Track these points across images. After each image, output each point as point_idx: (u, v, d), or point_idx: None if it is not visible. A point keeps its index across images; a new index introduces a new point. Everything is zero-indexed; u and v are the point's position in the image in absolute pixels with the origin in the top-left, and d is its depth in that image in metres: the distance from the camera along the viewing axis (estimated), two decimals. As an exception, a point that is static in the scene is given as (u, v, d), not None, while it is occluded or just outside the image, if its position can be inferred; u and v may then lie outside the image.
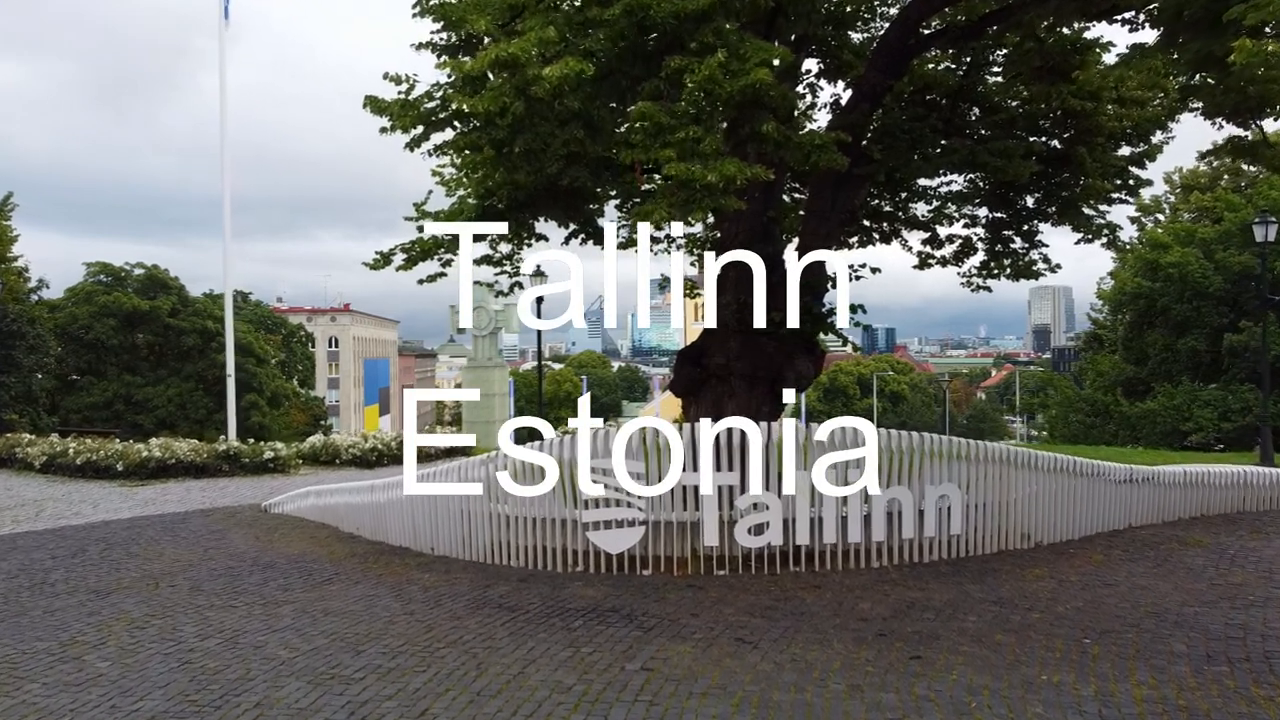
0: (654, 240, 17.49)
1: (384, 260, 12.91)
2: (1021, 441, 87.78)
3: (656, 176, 9.93)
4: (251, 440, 19.92)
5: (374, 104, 8.31)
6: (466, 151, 8.47)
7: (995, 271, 15.78)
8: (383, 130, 8.35)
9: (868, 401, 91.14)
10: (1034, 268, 15.64)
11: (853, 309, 12.22)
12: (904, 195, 15.41)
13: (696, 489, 8.69)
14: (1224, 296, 30.73)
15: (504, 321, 57.00)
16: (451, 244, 13.59)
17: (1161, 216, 41.78)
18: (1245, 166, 40.10)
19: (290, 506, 13.11)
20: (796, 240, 13.00)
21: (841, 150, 11.93)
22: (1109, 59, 12.31)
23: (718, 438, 8.64)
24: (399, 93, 8.02)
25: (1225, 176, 39.85)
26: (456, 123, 8.15)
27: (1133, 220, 42.55)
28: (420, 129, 8.21)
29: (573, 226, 11.92)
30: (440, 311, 55.28)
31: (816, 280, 12.02)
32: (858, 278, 12.62)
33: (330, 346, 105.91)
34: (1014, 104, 13.16)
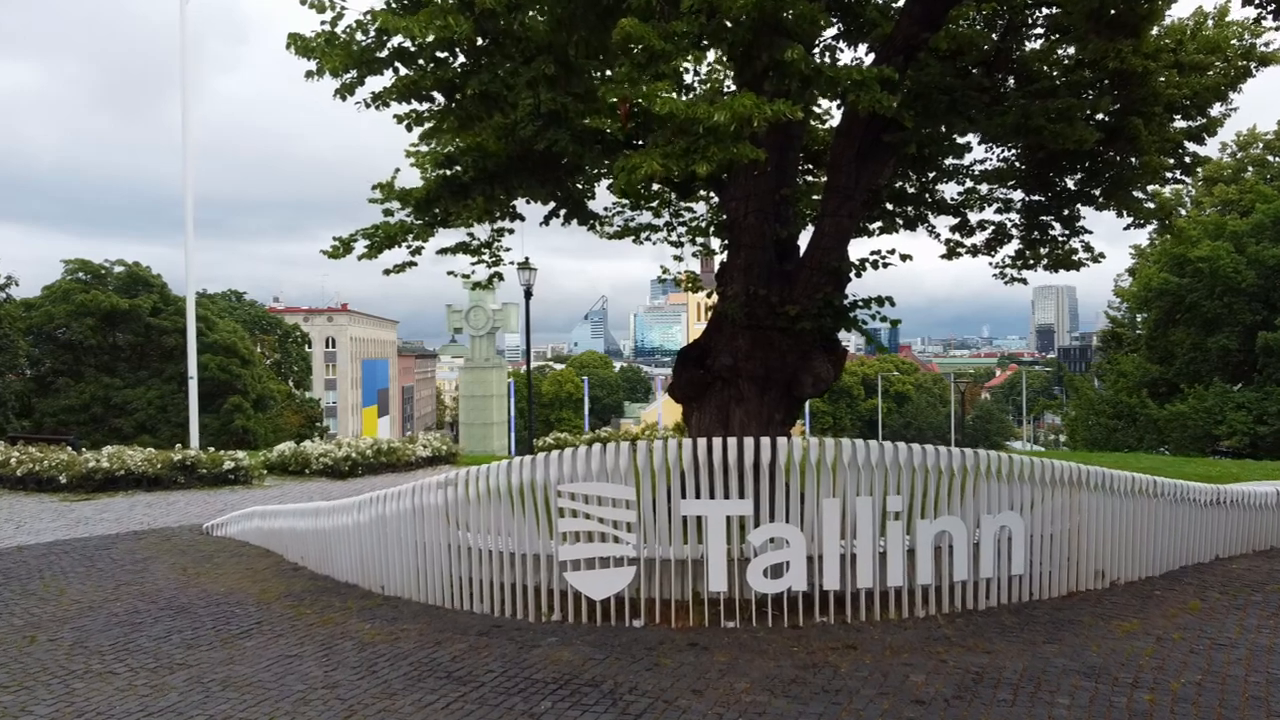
0: (652, 228, 16.03)
1: (344, 248, 11.31)
2: (1037, 449, 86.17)
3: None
4: (212, 449, 18.26)
5: (298, 43, 6.66)
6: (413, 103, 6.77)
7: (1031, 261, 14.20)
8: (309, 75, 6.70)
9: (872, 402, 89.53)
10: (1074, 257, 14.03)
11: (879, 302, 10.62)
12: (932, 175, 13.80)
13: (700, 519, 7.03)
14: (1257, 292, 29.02)
15: (502, 321, 55.49)
16: (422, 230, 11.97)
17: (1183, 210, 40.07)
18: (1270, 158, 38.45)
19: (234, 529, 11.46)
20: (813, 224, 11.38)
21: (870, 115, 10.29)
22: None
23: (725, 455, 6.98)
24: (322, 24, 6.37)
25: (1250, 169, 38.18)
26: (400, 64, 6.51)
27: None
28: (353, 73, 6.56)
29: (553, 204, 10.29)
30: (442, 311, 53.71)
31: (838, 268, 10.39)
32: (885, 265, 10.96)
33: (327, 347, 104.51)
34: (1054, 72, 11.51)
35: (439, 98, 6.56)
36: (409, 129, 6.91)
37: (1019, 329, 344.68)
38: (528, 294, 19.50)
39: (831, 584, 6.92)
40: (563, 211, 10.54)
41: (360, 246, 11.47)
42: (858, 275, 10.77)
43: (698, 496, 6.97)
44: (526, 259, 19.46)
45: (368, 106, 6.80)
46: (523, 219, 10.94)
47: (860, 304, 10.56)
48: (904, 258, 11.11)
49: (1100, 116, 11.05)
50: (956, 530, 7.11)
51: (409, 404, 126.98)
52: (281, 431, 53.49)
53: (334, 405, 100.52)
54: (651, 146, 5.53)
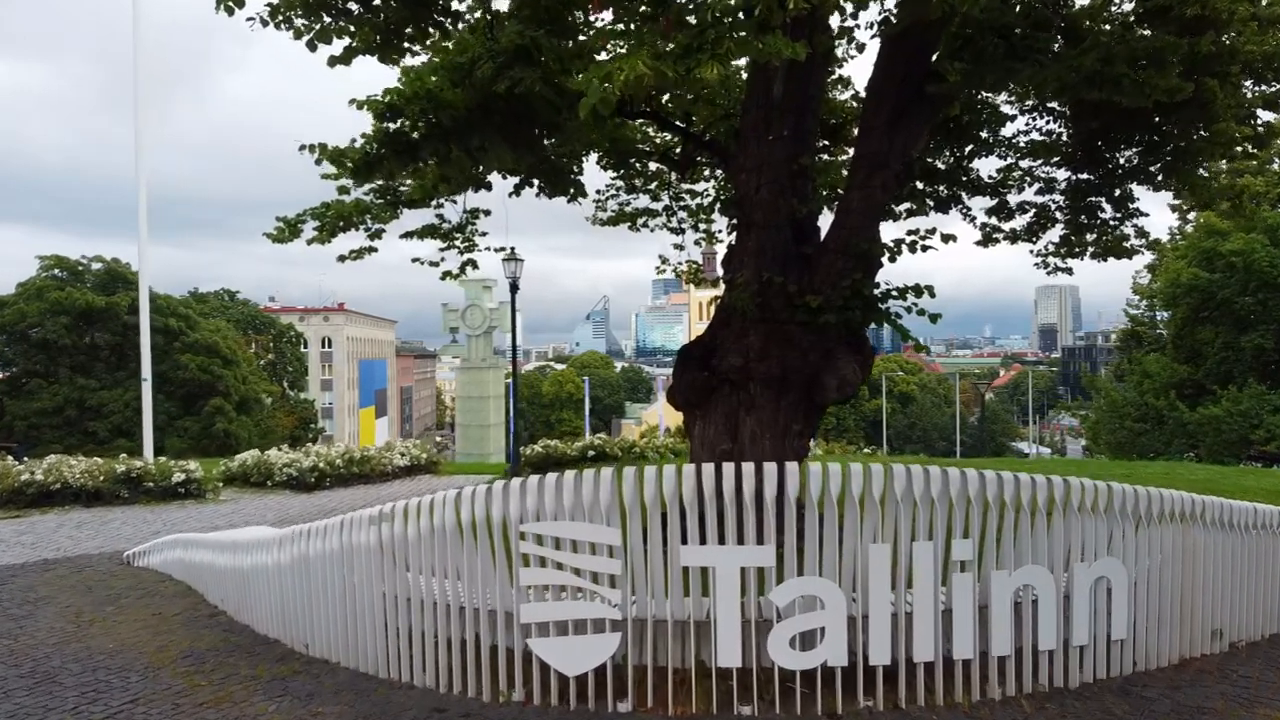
0: (650, 213, 14.37)
1: (289, 230, 9.67)
2: (1044, 451, 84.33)
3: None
4: (161, 458, 16.60)
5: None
6: (324, 18, 5.10)
7: (1077, 249, 12.55)
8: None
9: (876, 403, 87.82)
10: (1126, 244, 12.39)
11: (916, 291, 8.92)
12: (968, 149, 12.15)
13: (706, 571, 5.35)
14: (1296, 287, 27.32)
15: (499, 320, 53.75)
16: (381, 210, 10.34)
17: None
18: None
19: (156, 559, 9.80)
20: (835, 206, 9.76)
21: (908, 63, 8.64)
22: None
23: (739, 486, 5.30)
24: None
25: (1277, 160, 36.38)
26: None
27: (1172, 209, 39.14)
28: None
29: (526, 172, 8.62)
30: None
31: (868, 250, 8.73)
32: (924, 248, 9.29)
33: (323, 347, 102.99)
34: (1107, 27, 9.84)
35: (355, 8, 4.92)
36: (311, 48, 5.25)
37: (1021, 329, 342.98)
38: (513, 288, 17.85)
39: (880, 656, 5.23)
40: (537, 181, 8.87)
41: (309, 229, 9.84)
42: (891, 260, 9.11)
43: (703, 541, 5.28)
44: (512, 249, 17.77)
45: (264, 25, 5.13)
46: (488, 188, 9.27)
47: (894, 293, 8.85)
48: (946, 238, 9.44)
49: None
50: (1042, 583, 5.43)
51: (408, 405, 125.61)
52: (272, 434, 51.99)
53: (330, 406, 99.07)
54: (637, 44, 3.85)
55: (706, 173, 13.08)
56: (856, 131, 9.59)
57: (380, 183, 10.19)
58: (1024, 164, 12.10)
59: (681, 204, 14.10)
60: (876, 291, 8.77)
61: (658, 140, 13.28)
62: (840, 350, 8.84)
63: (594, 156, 11.86)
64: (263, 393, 52.07)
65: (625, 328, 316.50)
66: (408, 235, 11.07)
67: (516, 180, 8.79)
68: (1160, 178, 11.45)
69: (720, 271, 9.89)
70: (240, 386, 42.87)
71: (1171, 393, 29.52)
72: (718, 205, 11.22)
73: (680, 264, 14.46)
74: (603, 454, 17.63)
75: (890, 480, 5.27)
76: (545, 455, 17.58)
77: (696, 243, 14.41)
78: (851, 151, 12.75)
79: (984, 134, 11.66)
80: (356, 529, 6.16)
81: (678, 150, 12.67)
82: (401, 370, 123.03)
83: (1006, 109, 11.66)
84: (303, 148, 7.37)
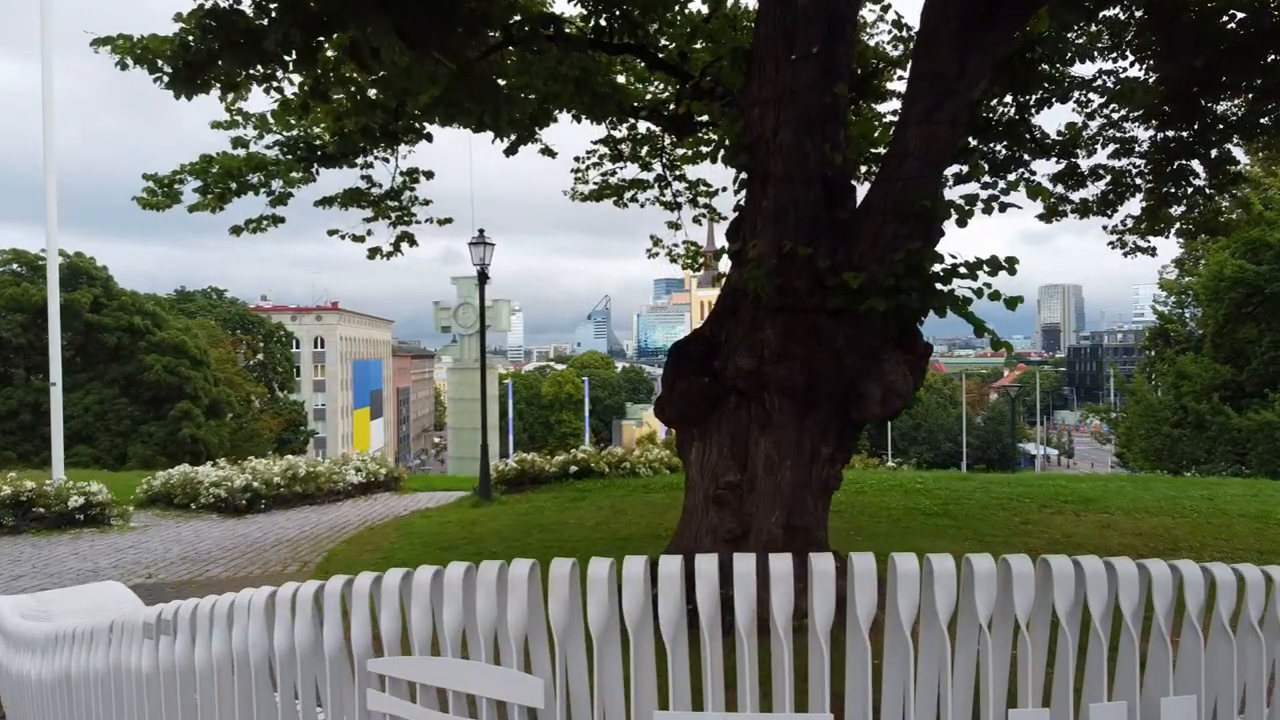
0: (639, 185, 12.14)
1: (164, 193, 7.23)
2: (1050, 453, 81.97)
3: None
4: (61, 478, 14.20)
5: None
6: None
7: (1161, 224, 10.21)
8: None
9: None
10: (1221, 217, 10.07)
11: (993, 266, 6.42)
12: (1033, 99, 9.81)
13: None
14: (1354, 281, 24.96)
15: (494, 319, 51.37)
16: (286, 168, 7.92)
17: (1237, 193, 35.97)
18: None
19: (-30, 627, 7.38)
20: (890, 144, 7.34)
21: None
22: None
23: (763, 593, 2.87)
24: None
25: (1317, 146, 33.94)
26: None
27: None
28: None
29: (441, 92, 6.17)
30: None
31: (930, 209, 6.33)
32: (1004, 207, 6.83)
33: (316, 347, 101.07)
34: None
35: None
36: None
37: (1024, 328, 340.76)
38: (482, 275, 15.48)
39: None
40: (470, 118, 6.45)
41: (190, 191, 7.41)
42: (960, 224, 6.63)
43: (698, 704, 2.86)
44: (481, 231, 15.41)
45: None
46: (428, 138, 6.86)
47: (961, 269, 6.30)
48: (1034, 193, 7.00)
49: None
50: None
51: (405, 406, 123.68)
52: (256, 437, 49.82)
53: (323, 408, 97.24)
54: None
55: (707, 134, 10.74)
56: (913, 48, 7.18)
57: (291, 131, 7.83)
58: (1099, 118, 9.78)
59: (677, 174, 11.78)
60: (938, 268, 6.29)
61: (648, 95, 10.98)
62: (886, 349, 6.45)
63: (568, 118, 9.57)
64: (248, 394, 49.84)
65: (627, 328, 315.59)
66: (324, 202, 8.70)
67: (437, 94, 6.27)
68: (1275, 131, 9.14)
69: (725, 244, 7.49)
70: (211, 389, 40.46)
71: (1214, 395, 27.15)
72: (720, 154, 8.77)
73: (676, 245, 12.14)
74: (587, 470, 15.22)
75: (1047, 583, 2.84)
76: (521, 472, 15.19)
77: (695, 219, 12.07)
78: (888, 106, 10.33)
79: (1056, 72, 9.32)
80: (126, 642, 3.74)
81: (671, 106, 10.36)
82: (399, 371, 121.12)
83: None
84: (95, 42, 4.94)
